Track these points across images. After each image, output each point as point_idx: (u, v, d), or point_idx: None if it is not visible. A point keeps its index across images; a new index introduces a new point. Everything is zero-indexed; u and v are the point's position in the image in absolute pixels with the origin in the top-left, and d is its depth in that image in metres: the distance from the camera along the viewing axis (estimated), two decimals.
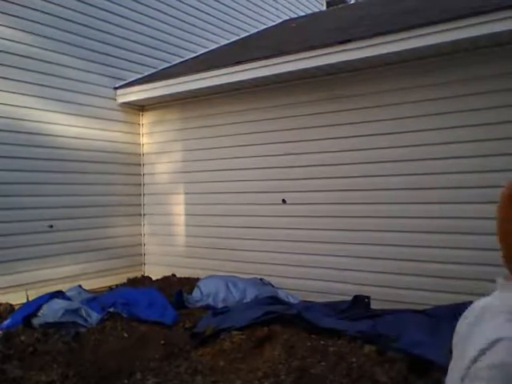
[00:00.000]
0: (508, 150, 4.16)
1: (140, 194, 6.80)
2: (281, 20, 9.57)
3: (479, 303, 1.07)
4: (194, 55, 7.46)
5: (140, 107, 6.80)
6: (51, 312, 4.28)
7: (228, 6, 8.22)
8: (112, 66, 6.34)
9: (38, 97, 5.53)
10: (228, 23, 8.25)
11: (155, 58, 6.89)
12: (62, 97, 5.77)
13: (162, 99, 6.42)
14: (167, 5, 7.09)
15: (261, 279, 5.48)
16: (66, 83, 5.82)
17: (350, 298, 4.60)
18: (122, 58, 6.46)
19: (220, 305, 4.95)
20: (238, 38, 8.39)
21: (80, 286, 5.48)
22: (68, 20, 5.83)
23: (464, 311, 1.10)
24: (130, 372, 3.55)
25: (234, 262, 5.85)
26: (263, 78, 5.38)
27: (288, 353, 3.47)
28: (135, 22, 6.62)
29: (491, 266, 3.70)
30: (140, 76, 6.63)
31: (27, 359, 3.57)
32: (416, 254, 4.61)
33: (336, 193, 5.15)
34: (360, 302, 4.49)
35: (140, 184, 6.81)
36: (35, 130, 5.49)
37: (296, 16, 9.93)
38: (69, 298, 4.82)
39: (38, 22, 5.52)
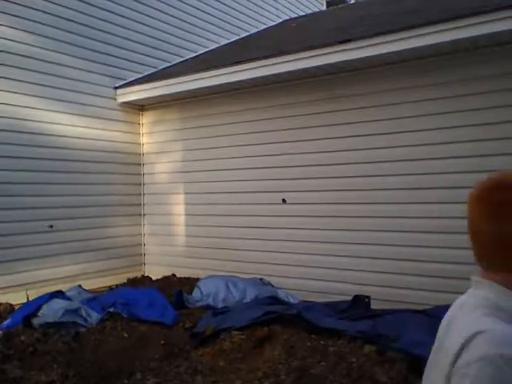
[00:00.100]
0: (507, 150, 4.16)
1: (140, 194, 6.80)
2: (281, 20, 9.57)
3: (458, 300, 1.10)
4: (194, 55, 7.46)
5: (140, 107, 6.80)
6: (51, 312, 4.28)
7: (228, 6, 8.22)
8: (112, 66, 6.35)
9: (40, 97, 5.53)
10: (228, 23, 8.25)
11: (155, 58, 6.89)
12: (63, 97, 5.78)
13: (162, 99, 6.42)
14: (168, 5, 7.09)
15: (261, 279, 5.48)
16: (67, 83, 5.82)
17: (350, 298, 4.60)
18: (123, 58, 6.46)
19: (220, 305, 4.95)
20: (238, 37, 8.39)
21: (80, 286, 5.48)
22: (69, 20, 5.83)
23: None
24: (129, 372, 3.55)
25: (234, 261, 5.85)
26: (263, 77, 5.38)
27: (288, 353, 3.47)
28: (136, 21, 6.63)
29: None
30: (140, 76, 6.63)
31: (27, 359, 3.57)
32: (416, 254, 4.61)
33: (336, 193, 5.15)
34: (360, 301, 4.50)
35: (140, 184, 6.81)
36: (36, 130, 5.49)
37: (296, 16, 9.93)
38: (69, 298, 4.82)
39: (39, 22, 5.52)
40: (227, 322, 4.04)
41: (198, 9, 7.60)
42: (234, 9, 8.36)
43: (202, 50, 7.65)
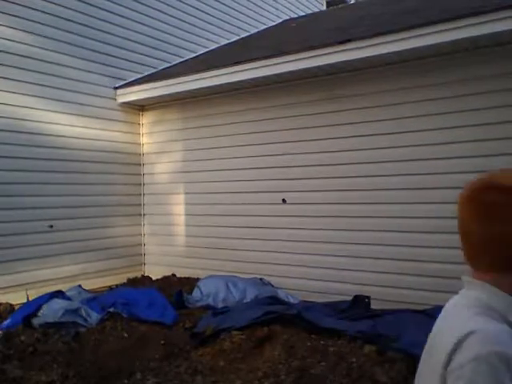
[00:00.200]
0: (508, 150, 4.16)
1: (140, 194, 6.80)
2: (281, 20, 9.57)
3: (451, 301, 1.11)
4: (194, 55, 7.46)
5: (140, 107, 6.80)
6: (51, 312, 4.28)
7: (228, 6, 8.22)
8: (112, 66, 6.34)
9: (39, 97, 5.53)
10: (228, 23, 8.25)
11: (155, 58, 6.89)
12: (63, 97, 5.78)
13: (162, 99, 6.42)
14: (167, 5, 7.09)
15: (261, 279, 5.48)
16: (67, 83, 5.82)
17: (350, 298, 4.60)
18: (122, 58, 6.46)
19: (220, 305, 4.95)
20: (238, 37, 8.39)
21: (80, 286, 5.48)
22: (68, 20, 5.83)
23: None
24: (130, 372, 3.55)
25: (234, 261, 5.85)
26: (263, 78, 5.38)
27: (288, 353, 3.47)
28: (135, 21, 6.62)
29: None
30: (140, 76, 6.63)
31: (27, 359, 3.57)
32: (416, 254, 4.61)
33: (336, 193, 5.15)
34: (360, 302, 4.50)
35: (140, 184, 6.81)
36: (36, 130, 5.49)
37: (296, 16, 9.93)
38: (69, 298, 4.82)
39: (39, 22, 5.52)
40: (227, 322, 4.04)
41: (197, 9, 7.60)
42: (233, 9, 8.36)
43: (202, 50, 7.65)
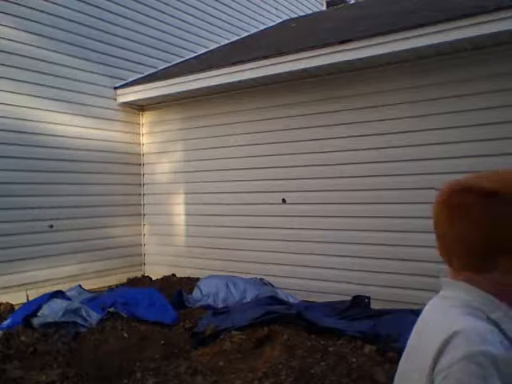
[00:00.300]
0: (508, 150, 4.16)
1: (140, 194, 6.80)
2: (281, 20, 9.57)
3: (431, 302, 1.12)
4: (194, 55, 7.46)
5: (140, 107, 6.80)
6: (51, 312, 4.28)
7: (228, 6, 8.22)
8: (112, 66, 6.34)
9: (40, 97, 5.53)
10: (228, 23, 8.25)
11: (155, 58, 6.89)
12: (63, 97, 5.78)
13: (162, 99, 6.42)
14: (168, 5, 7.09)
15: (261, 279, 5.48)
16: (67, 83, 5.82)
17: (350, 298, 4.60)
18: (122, 58, 6.46)
19: (220, 305, 4.95)
20: (238, 38, 8.39)
21: (80, 286, 5.48)
22: (68, 20, 5.83)
23: None
24: (129, 372, 3.55)
25: (234, 261, 5.85)
26: (263, 77, 5.38)
27: (288, 353, 3.47)
28: (135, 21, 6.62)
29: None
30: (140, 76, 6.63)
31: (27, 359, 3.57)
32: (416, 254, 4.61)
33: (336, 192, 5.15)
34: (360, 302, 4.50)
35: (140, 184, 6.81)
36: (36, 130, 5.49)
37: (296, 16, 9.93)
38: (69, 298, 4.82)
39: (39, 22, 5.52)
40: (227, 322, 4.04)
41: (197, 9, 7.60)
42: (233, 9, 8.36)
43: (202, 50, 7.65)
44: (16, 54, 5.30)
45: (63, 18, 5.78)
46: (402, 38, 4.40)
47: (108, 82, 6.32)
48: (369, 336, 3.66)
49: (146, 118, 6.86)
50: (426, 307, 1.14)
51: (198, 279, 5.69)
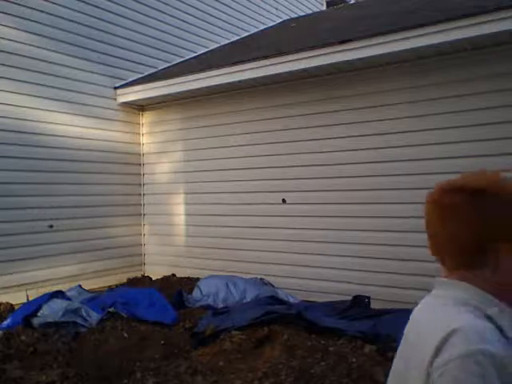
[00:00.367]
0: (508, 150, 4.16)
1: (140, 194, 6.80)
2: (281, 20, 9.57)
3: (424, 301, 1.12)
4: (194, 55, 7.46)
5: (140, 107, 6.80)
6: (51, 312, 4.28)
7: (228, 6, 8.22)
8: (112, 66, 6.35)
9: (40, 97, 5.53)
10: (228, 23, 8.25)
11: (155, 58, 6.89)
12: (63, 97, 5.78)
13: (162, 99, 6.42)
14: (168, 5, 7.09)
15: (261, 279, 5.48)
16: (67, 83, 5.82)
17: (350, 298, 4.60)
18: (122, 58, 6.47)
19: (220, 305, 4.95)
20: (238, 37, 8.39)
21: (80, 286, 5.48)
22: (68, 20, 5.83)
23: None
24: (129, 372, 3.55)
25: (234, 261, 5.85)
26: (263, 77, 5.38)
27: (288, 353, 3.47)
28: (135, 21, 6.62)
29: None
30: (140, 76, 6.63)
31: (27, 359, 3.57)
32: (416, 254, 4.60)
33: (336, 192, 5.15)
34: (360, 302, 4.50)
35: (140, 184, 6.81)
36: (36, 130, 5.49)
37: (296, 16, 9.93)
38: (69, 298, 4.82)
39: (39, 22, 5.53)
40: (227, 322, 4.04)
41: (197, 9, 7.60)
42: (233, 9, 8.37)
43: (202, 50, 7.65)
44: (16, 54, 5.31)
45: (63, 18, 5.78)
46: (401, 37, 4.40)
47: (108, 82, 6.32)
48: (369, 336, 3.66)
49: (146, 118, 6.86)
50: (418, 306, 1.14)
51: (198, 279, 5.70)
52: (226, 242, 5.97)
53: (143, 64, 6.71)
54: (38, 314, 4.26)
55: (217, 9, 7.99)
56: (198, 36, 7.62)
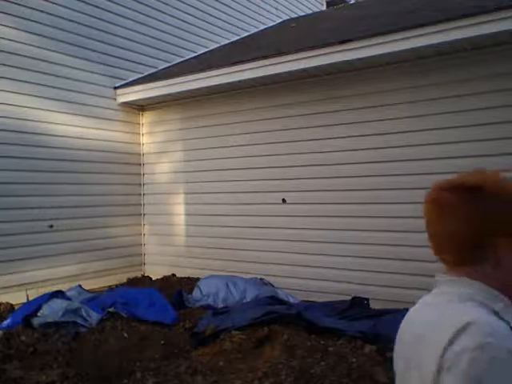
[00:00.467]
0: (507, 150, 4.16)
1: (140, 194, 6.80)
2: (281, 20, 9.57)
3: (423, 301, 1.13)
4: (194, 55, 7.46)
5: (140, 107, 6.80)
6: (51, 312, 4.28)
7: (228, 6, 8.22)
8: (112, 66, 6.35)
9: (40, 97, 5.53)
10: (228, 23, 8.25)
11: (155, 58, 6.89)
12: (64, 97, 5.78)
13: (162, 99, 6.42)
14: (168, 5, 7.09)
15: (261, 279, 5.48)
16: (68, 83, 5.82)
17: (350, 298, 4.60)
18: (122, 58, 6.47)
19: (220, 305, 4.95)
20: (238, 37, 8.39)
21: (80, 286, 5.48)
22: (69, 20, 5.83)
23: None
24: (129, 372, 3.55)
25: (234, 261, 5.85)
26: (263, 77, 5.38)
27: (288, 353, 3.47)
28: (135, 21, 6.63)
29: None
30: (140, 76, 6.63)
31: (27, 359, 3.57)
32: (417, 254, 4.61)
33: (336, 192, 5.15)
34: (359, 303, 4.50)
35: (140, 184, 6.81)
36: (37, 130, 5.50)
37: (296, 16, 9.93)
38: (69, 298, 4.82)
39: (39, 22, 5.53)
40: (227, 322, 4.04)
41: (197, 9, 7.60)
42: (233, 9, 8.37)
43: (202, 50, 7.65)
44: (16, 54, 5.31)
45: (63, 18, 5.78)
46: (401, 38, 4.40)
47: (108, 82, 6.32)
48: (369, 336, 3.66)
49: (146, 118, 6.86)
50: (415, 306, 1.15)
51: (198, 279, 5.70)
52: (225, 241, 5.97)
53: (143, 64, 6.71)
54: (38, 314, 4.26)
55: (217, 9, 7.99)
56: (198, 36, 7.62)
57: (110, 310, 4.45)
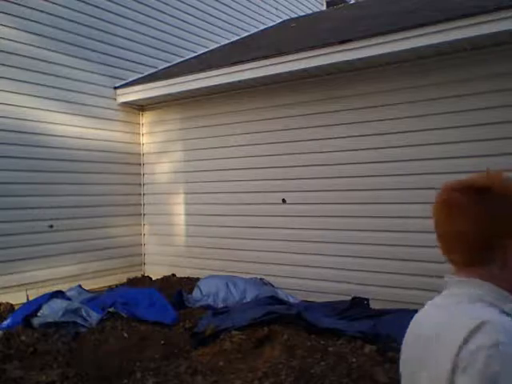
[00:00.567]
0: (508, 150, 4.16)
1: (140, 194, 6.80)
2: (281, 20, 9.57)
3: (433, 303, 1.13)
4: (194, 55, 7.46)
5: (140, 107, 6.80)
6: (51, 312, 4.28)
7: (228, 6, 8.22)
8: (112, 66, 6.35)
9: (40, 97, 5.53)
10: (228, 23, 8.25)
11: (155, 58, 6.89)
12: (63, 97, 5.78)
13: (162, 99, 6.42)
14: (168, 5, 7.09)
15: (261, 279, 5.48)
16: (67, 83, 5.82)
17: (350, 298, 4.60)
18: (122, 58, 6.46)
19: (220, 305, 4.95)
20: (238, 37, 8.39)
21: (80, 286, 5.48)
22: (69, 20, 5.83)
23: None
24: (129, 372, 3.55)
25: (234, 261, 5.85)
26: (263, 77, 5.38)
27: (288, 353, 3.47)
28: (135, 21, 6.62)
29: None
30: (140, 76, 6.63)
31: (27, 359, 3.57)
32: (416, 254, 4.61)
33: (336, 192, 5.15)
34: (358, 304, 4.50)
35: (140, 184, 6.81)
36: (37, 130, 5.50)
37: (296, 16, 9.93)
38: (69, 298, 4.82)
39: (39, 22, 5.53)
40: (227, 322, 4.04)
41: (197, 9, 7.60)
42: (233, 9, 8.37)
43: (202, 50, 7.65)
44: (16, 54, 5.30)
45: (63, 18, 5.78)
46: (401, 38, 4.40)
47: (108, 82, 6.32)
48: (369, 336, 3.66)
49: (146, 118, 6.86)
50: (424, 308, 1.15)
51: (198, 279, 5.70)
52: (225, 242, 5.97)
53: (143, 64, 6.71)
54: (38, 314, 4.26)
55: (217, 9, 7.99)
56: (198, 36, 7.62)
57: (110, 310, 4.45)
